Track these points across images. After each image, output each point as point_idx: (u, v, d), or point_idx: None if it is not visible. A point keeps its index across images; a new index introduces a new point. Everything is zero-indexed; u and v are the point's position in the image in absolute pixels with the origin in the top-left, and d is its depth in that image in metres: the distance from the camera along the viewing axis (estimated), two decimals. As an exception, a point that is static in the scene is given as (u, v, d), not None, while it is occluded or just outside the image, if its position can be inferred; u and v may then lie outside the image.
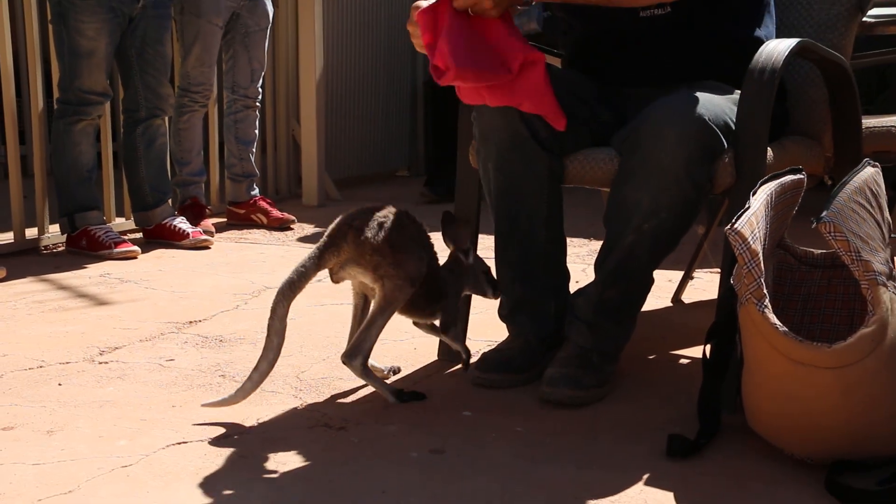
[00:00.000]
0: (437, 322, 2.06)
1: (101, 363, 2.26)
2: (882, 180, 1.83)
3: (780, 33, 2.21)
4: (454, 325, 2.06)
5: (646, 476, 1.64)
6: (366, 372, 1.94)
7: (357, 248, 1.87)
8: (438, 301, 2.02)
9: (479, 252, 2.14)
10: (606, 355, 2.03)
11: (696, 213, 1.96)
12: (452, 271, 2.05)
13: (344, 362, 1.93)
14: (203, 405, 1.91)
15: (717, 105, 1.91)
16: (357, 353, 1.92)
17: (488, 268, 2.10)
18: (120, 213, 4.02)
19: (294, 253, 3.68)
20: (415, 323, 2.12)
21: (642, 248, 1.95)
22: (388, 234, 1.87)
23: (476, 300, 2.24)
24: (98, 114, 3.62)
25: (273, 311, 1.86)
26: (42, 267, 3.36)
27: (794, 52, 1.96)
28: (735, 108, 1.94)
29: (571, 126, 2.02)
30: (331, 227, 1.93)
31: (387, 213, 1.90)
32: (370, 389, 2.06)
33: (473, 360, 2.16)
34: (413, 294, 1.93)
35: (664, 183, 1.88)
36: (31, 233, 3.69)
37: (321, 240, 1.93)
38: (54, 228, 3.72)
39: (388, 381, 2.06)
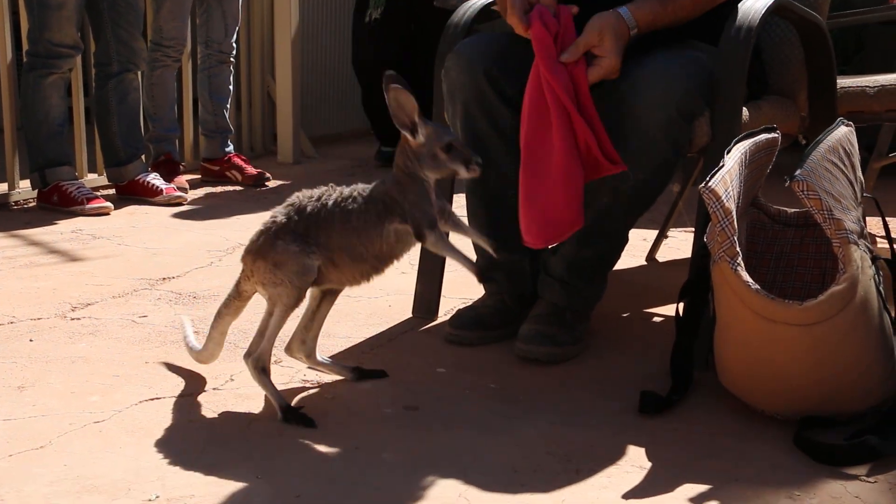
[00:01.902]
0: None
1: (73, 319, 2.24)
2: (855, 140, 1.83)
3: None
4: (429, 229, 1.72)
5: (618, 432, 1.66)
6: (260, 375, 1.73)
7: (246, 265, 1.78)
8: (386, 221, 1.73)
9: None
10: (579, 313, 2.04)
11: (672, 173, 1.96)
12: (395, 173, 1.75)
13: (243, 360, 1.76)
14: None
15: (696, 66, 1.91)
16: (250, 354, 1.75)
17: (452, 138, 1.74)
18: (92, 169, 3.97)
19: (268, 211, 3.65)
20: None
21: (618, 209, 1.96)
22: (258, 239, 1.76)
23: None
24: (68, 67, 3.56)
25: (213, 324, 1.88)
26: (12, 223, 3.32)
27: (770, 11, 1.95)
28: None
29: None
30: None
31: (272, 214, 1.78)
32: (344, 346, 2.06)
33: (446, 318, 2.16)
34: (351, 262, 1.75)
35: (642, 145, 1.88)
36: (1, 188, 3.64)
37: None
38: (25, 184, 3.67)
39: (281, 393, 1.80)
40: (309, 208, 1.76)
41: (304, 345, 1.87)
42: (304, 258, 1.72)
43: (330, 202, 1.75)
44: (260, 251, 1.75)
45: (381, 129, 4.68)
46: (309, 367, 1.91)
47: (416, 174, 1.74)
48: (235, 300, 1.84)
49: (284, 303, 1.73)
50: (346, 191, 1.77)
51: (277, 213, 1.78)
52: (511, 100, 2.00)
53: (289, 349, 1.89)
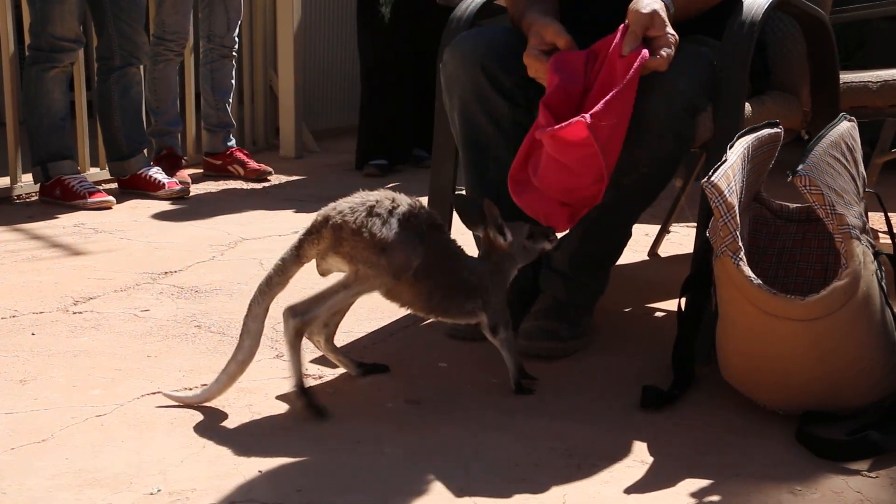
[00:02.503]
0: (481, 322, 1.79)
1: (75, 313, 2.24)
2: (858, 135, 1.83)
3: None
4: (504, 328, 1.78)
5: (620, 427, 1.66)
6: (294, 339, 1.68)
7: (335, 234, 1.67)
8: (471, 299, 1.76)
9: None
10: (582, 308, 2.04)
11: (676, 167, 1.96)
12: (490, 260, 1.80)
13: (284, 314, 1.70)
14: (164, 394, 1.74)
15: (700, 61, 1.90)
16: (298, 314, 1.69)
17: (527, 225, 1.83)
18: (94, 163, 3.97)
19: (270, 205, 3.66)
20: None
21: (622, 203, 1.95)
22: (370, 217, 1.66)
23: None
24: (70, 61, 3.56)
25: (248, 309, 1.70)
26: (15, 216, 3.32)
27: (773, 6, 1.95)
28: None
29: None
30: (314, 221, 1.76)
31: (378, 198, 1.70)
32: (346, 341, 2.06)
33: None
34: (426, 291, 1.72)
35: (646, 139, 1.87)
36: (3, 182, 3.65)
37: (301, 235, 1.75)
38: (27, 178, 3.67)
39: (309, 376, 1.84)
40: (424, 220, 1.72)
41: (325, 328, 1.81)
42: (413, 258, 1.68)
43: (447, 238, 1.78)
44: (370, 227, 1.66)
45: (372, 139, 4.47)
46: (322, 353, 1.86)
47: (508, 271, 1.81)
48: (288, 269, 1.71)
49: (366, 286, 1.69)
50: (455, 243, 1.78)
51: (381, 196, 1.70)
52: (509, 92, 2.00)
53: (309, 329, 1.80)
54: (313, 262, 1.74)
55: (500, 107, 2.01)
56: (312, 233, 1.71)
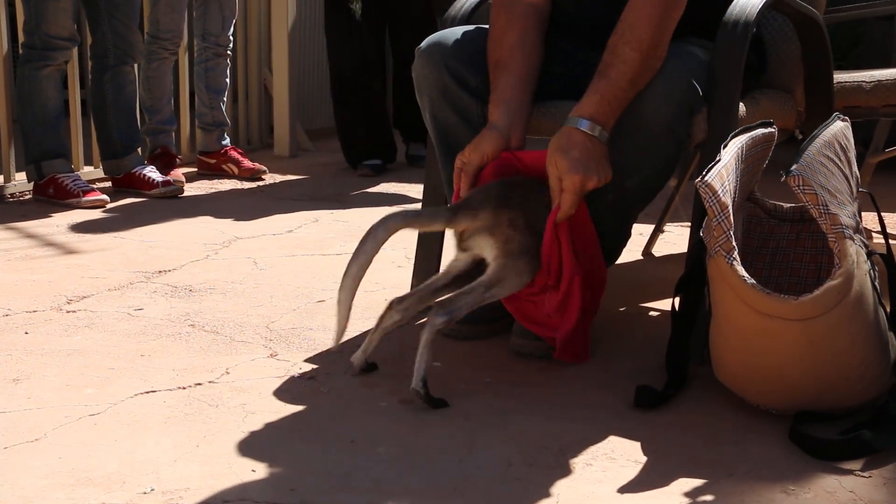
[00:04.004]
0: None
1: (68, 312, 2.24)
2: (851, 135, 1.83)
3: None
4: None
5: (613, 426, 1.66)
6: (434, 337, 1.71)
7: (495, 218, 1.72)
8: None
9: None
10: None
11: (674, 168, 1.96)
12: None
13: (430, 315, 1.70)
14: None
15: (696, 61, 1.91)
16: (445, 312, 1.71)
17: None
18: (88, 162, 3.97)
19: (265, 204, 3.66)
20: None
21: (622, 204, 1.95)
22: (527, 210, 1.71)
23: (447, 249, 2.24)
24: (64, 59, 3.55)
25: (372, 230, 1.72)
26: (8, 215, 3.31)
27: (768, 5, 1.95)
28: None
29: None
30: (469, 192, 1.80)
31: (531, 186, 1.76)
32: (341, 340, 2.05)
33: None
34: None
35: (647, 140, 1.87)
36: (-3, 180, 3.64)
37: (457, 201, 1.78)
38: (21, 176, 3.67)
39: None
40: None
41: (418, 304, 1.81)
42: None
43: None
44: (531, 224, 1.72)
45: (351, 144, 4.49)
46: (376, 329, 1.84)
47: None
48: (433, 222, 1.82)
49: (505, 289, 1.74)
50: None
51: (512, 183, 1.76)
52: (475, 90, 2.01)
53: (400, 301, 1.81)
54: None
55: (468, 104, 2.02)
56: (468, 208, 1.75)
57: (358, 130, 4.42)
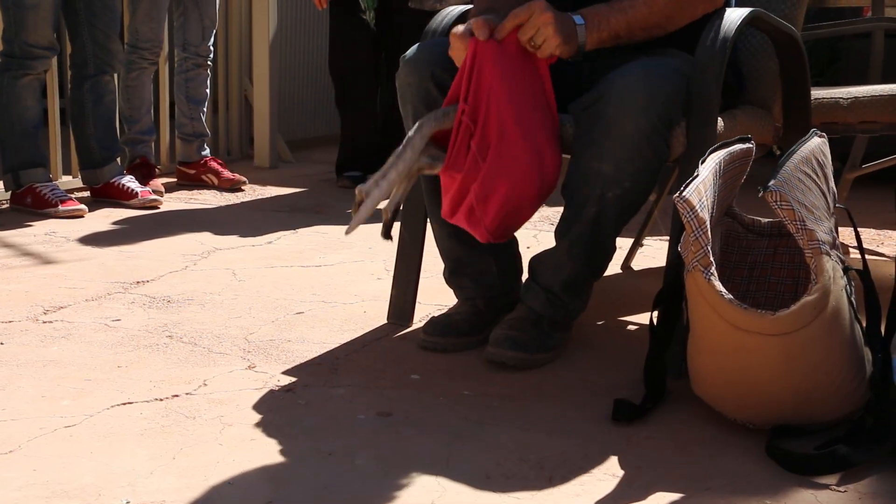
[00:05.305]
0: None
1: (45, 322, 2.22)
2: (828, 150, 1.85)
3: (736, 3, 2.21)
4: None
5: (591, 440, 1.66)
6: (421, 142, 1.84)
7: None
8: None
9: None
10: (558, 324, 2.04)
11: (655, 180, 1.97)
12: None
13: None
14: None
15: (675, 74, 1.92)
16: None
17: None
18: (67, 171, 3.94)
19: (244, 215, 3.65)
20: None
21: (605, 217, 1.95)
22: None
23: (425, 264, 2.24)
24: (44, 68, 3.53)
25: (408, 140, 1.80)
26: (-15, 224, 3.29)
27: (746, 22, 1.97)
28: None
29: None
30: None
31: None
32: (318, 352, 2.05)
33: (421, 324, 2.16)
34: None
35: (628, 153, 1.88)
36: (-27, 189, 3.61)
37: None
38: (-2, 185, 3.64)
39: None
40: None
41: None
42: None
43: None
44: None
45: (347, 151, 4.42)
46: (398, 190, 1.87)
47: None
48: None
49: None
50: None
51: None
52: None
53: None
54: None
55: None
56: None
57: (359, 138, 4.41)
